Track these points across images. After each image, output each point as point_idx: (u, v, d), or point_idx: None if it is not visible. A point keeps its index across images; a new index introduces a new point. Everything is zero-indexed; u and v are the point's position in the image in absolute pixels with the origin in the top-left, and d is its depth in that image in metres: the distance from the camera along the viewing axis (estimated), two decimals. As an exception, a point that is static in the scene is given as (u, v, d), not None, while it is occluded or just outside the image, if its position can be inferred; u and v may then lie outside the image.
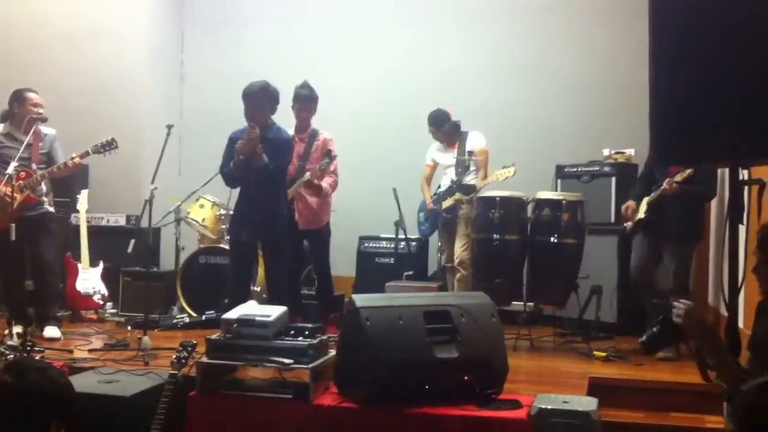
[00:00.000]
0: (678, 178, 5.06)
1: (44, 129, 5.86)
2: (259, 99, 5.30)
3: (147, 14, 7.95)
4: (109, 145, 5.74)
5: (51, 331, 5.64)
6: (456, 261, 6.29)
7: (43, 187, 5.79)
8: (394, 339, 3.77)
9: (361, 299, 3.89)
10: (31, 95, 5.82)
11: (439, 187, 6.62)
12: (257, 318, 4.02)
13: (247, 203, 5.42)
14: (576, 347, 5.61)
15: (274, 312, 4.12)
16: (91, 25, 7.85)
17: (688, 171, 4.96)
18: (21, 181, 5.60)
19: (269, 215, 5.38)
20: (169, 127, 5.48)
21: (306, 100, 6.09)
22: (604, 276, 6.11)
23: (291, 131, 6.14)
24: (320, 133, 6.16)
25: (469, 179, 6.43)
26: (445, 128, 6.49)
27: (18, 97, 5.81)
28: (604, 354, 5.26)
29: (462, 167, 6.43)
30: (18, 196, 5.53)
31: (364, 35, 7.99)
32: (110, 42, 7.81)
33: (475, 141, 6.47)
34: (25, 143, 5.63)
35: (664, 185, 5.15)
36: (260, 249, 5.67)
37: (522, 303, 5.76)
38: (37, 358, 4.53)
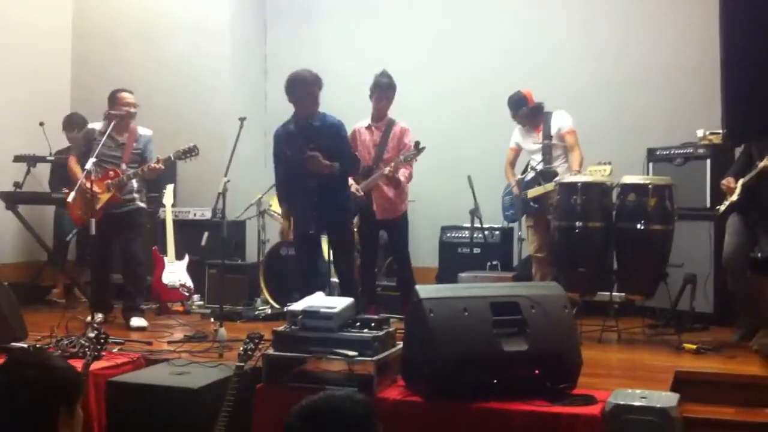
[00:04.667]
0: None
1: (140, 130, 6.04)
2: (313, 87, 5.29)
3: (229, 9, 8.02)
4: (191, 152, 5.86)
5: (138, 321, 5.84)
6: None
7: (134, 184, 5.96)
8: (459, 331, 3.65)
9: (424, 290, 3.80)
10: (122, 95, 5.97)
11: (524, 171, 6.38)
12: (322, 310, 3.98)
13: (311, 194, 5.31)
14: (666, 339, 5.33)
15: (339, 303, 4.07)
16: (173, 22, 8.00)
17: None
18: (109, 181, 5.80)
19: (335, 206, 5.34)
20: (242, 119, 5.47)
21: (386, 89, 6.03)
22: (699, 264, 5.79)
23: (367, 120, 6.09)
24: (397, 122, 6.08)
25: (557, 164, 6.17)
26: (522, 111, 6.24)
27: (111, 98, 5.98)
28: (694, 346, 4.96)
29: (548, 152, 6.18)
30: (104, 196, 5.76)
31: (441, 22, 7.84)
32: (193, 38, 7.93)
33: (560, 120, 6.18)
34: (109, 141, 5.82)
35: (762, 164, 4.80)
36: (327, 241, 5.66)
37: (607, 293, 5.51)
38: (115, 350, 4.68)
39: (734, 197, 5.07)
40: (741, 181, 5.07)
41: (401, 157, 5.81)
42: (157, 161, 5.85)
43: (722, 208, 5.20)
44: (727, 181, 5.17)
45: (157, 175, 6.09)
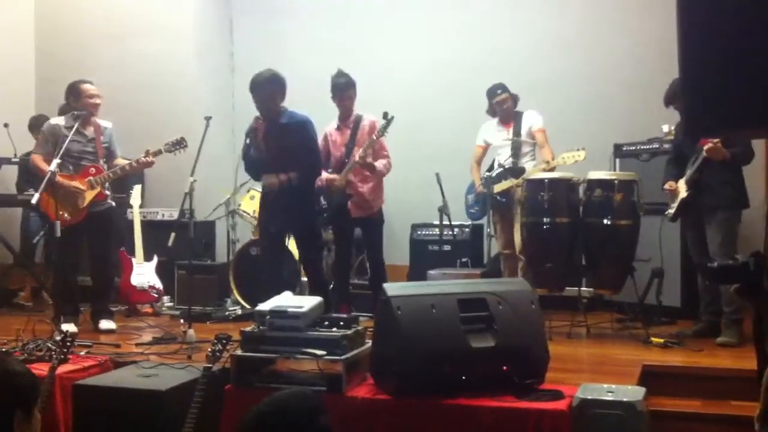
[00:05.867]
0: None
1: (101, 122, 5.83)
2: (269, 89, 5.29)
3: (194, 7, 7.98)
4: (179, 144, 5.76)
5: (107, 324, 5.74)
6: (518, 249, 6.04)
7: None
8: (427, 328, 3.66)
9: (392, 288, 3.80)
10: (86, 87, 5.71)
11: (490, 168, 6.39)
12: (290, 309, 3.96)
13: (274, 194, 5.37)
14: (634, 334, 5.38)
15: (307, 303, 4.05)
16: (139, 22, 7.93)
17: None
18: (92, 177, 5.64)
19: (298, 205, 5.35)
20: (207, 119, 5.44)
21: (345, 88, 5.96)
22: (666, 258, 5.82)
23: (336, 121, 6.06)
24: (364, 116, 6.05)
25: (524, 161, 6.21)
26: (505, 96, 6.23)
27: (73, 91, 5.72)
28: (662, 340, 5.01)
29: (516, 149, 6.21)
30: (89, 193, 5.62)
31: (412, 20, 7.85)
32: (158, 38, 7.86)
33: (531, 120, 6.23)
34: (81, 137, 5.67)
35: (706, 148, 4.92)
36: (293, 239, 5.70)
37: (575, 288, 5.55)
38: (83, 353, 4.62)
39: (683, 194, 5.18)
40: (683, 180, 5.20)
41: (374, 137, 5.76)
42: (147, 154, 5.70)
43: (671, 211, 5.29)
44: (669, 185, 5.30)
45: (140, 170, 5.95)
